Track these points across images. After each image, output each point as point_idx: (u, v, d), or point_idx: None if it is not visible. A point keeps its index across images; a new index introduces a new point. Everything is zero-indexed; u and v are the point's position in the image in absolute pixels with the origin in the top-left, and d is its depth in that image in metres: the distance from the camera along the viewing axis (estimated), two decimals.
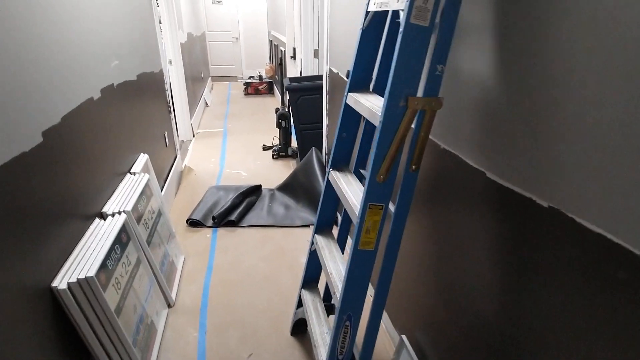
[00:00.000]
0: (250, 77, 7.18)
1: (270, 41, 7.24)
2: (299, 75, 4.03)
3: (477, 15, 1.03)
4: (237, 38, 8.56)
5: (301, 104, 3.32)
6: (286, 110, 3.83)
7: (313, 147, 2.95)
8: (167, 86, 3.26)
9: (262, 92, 7.11)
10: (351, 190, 1.29)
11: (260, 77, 7.04)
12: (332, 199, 1.56)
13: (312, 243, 1.61)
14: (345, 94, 1.37)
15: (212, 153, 4.14)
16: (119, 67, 2.08)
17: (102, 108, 1.80)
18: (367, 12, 1.28)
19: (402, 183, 1.12)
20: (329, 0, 2.47)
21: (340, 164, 1.50)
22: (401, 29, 0.94)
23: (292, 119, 3.64)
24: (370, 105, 1.18)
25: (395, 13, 1.25)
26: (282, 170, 3.69)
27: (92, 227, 1.55)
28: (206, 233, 2.68)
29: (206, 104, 6.24)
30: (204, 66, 7.02)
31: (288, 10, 4.58)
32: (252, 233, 2.68)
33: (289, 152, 3.97)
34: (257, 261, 2.39)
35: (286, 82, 3.34)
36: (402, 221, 1.16)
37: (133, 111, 2.28)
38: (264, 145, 4.35)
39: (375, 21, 1.30)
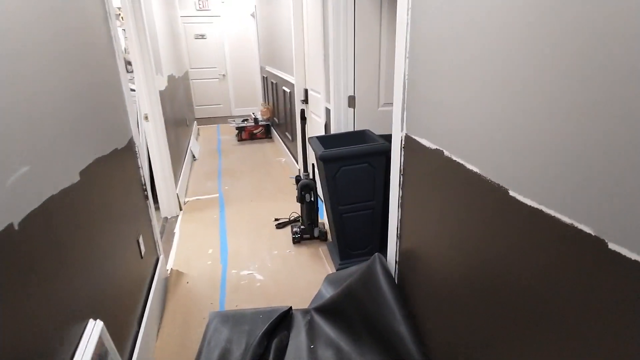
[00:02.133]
0: (243, 120, 6.16)
1: (265, 78, 6.28)
2: (324, 132, 3.01)
3: None
4: (224, 75, 7.58)
5: (341, 178, 2.27)
6: (309, 178, 2.77)
7: (376, 255, 1.89)
8: (140, 159, 2.17)
9: (259, 137, 6.08)
10: None
11: (255, 119, 6.01)
12: None
13: None
14: None
15: (207, 239, 3.02)
16: (30, 180, 0.99)
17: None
18: None
19: None
20: (409, 27, 1.46)
21: None
22: None
23: (322, 195, 2.59)
24: None
25: None
26: (311, 264, 2.60)
27: None
28: None
29: (193, 156, 5.14)
30: (188, 110, 5.97)
31: (297, 44, 3.60)
32: None
33: (316, 234, 2.88)
34: None
35: (317, 147, 2.30)
36: None
37: (72, 250, 1.18)
38: (276, 221, 3.26)
39: None
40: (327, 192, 2.36)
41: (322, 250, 2.80)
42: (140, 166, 2.17)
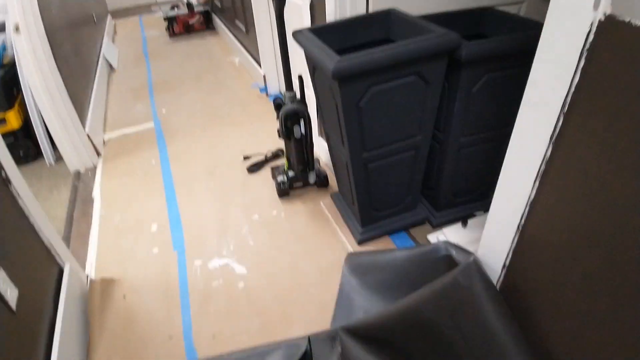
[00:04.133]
0: (172, 7, 4.55)
1: None
2: (310, 20, 1.83)
3: None
4: None
5: (369, 107, 1.25)
6: (296, 99, 1.70)
7: (472, 257, 1.00)
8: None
9: (197, 29, 4.59)
10: None
11: (188, 4, 4.44)
12: None
13: None
14: None
15: (147, 204, 1.99)
16: None
17: None
18: None
19: None
20: None
21: None
22: None
23: (324, 128, 1.57)
24: None
25: None
26: (316, 234, 1.70)
27: None
28: None
29: (110, 67, 3.72)
30: (95, 1, 4.26)
31: None
32: None
33: (312, 180, 1.93)
34: None
35: (318, 50, 1.20)
36: None
37: None
38: (247, 160, 2.24)
39: None
40: (340, 130, 1.35)
41: (325, 204, 1.89)
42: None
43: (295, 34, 1.40)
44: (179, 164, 2.25)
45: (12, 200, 1.25)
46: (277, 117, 1.72)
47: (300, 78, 1.68)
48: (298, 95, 1.71)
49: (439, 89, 1.31)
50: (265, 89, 2.95)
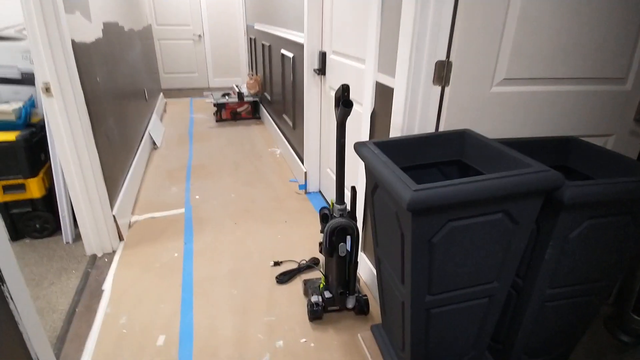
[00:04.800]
0: (224, 95, 4.76)
1: (252, 39, 4.86)
2: (369, 130, 1.73)
3: None
4: (200, 35, 6.09)
5: (444, 245, 1.02)
6: (346, 213, 1.50)
7: None
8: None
9: (243, 117, 4.72)
10: None
11: (239, 94, 4.63)
12: None
13: None
14: None
15: (160, 306, 1.74)
16: None
17: None
18: None
19: None
20: None
21: None
22: None
23: (383, 260, 1.34)
24: None
25: None
26: None
27: None
28: None
29: (154, 144, 3.77)
30: (149, 78, 4.52)
31: None
32: None
33: (350, 305, 1.65)
34: None
35: (387, 171, 1.02)
36: None
37: None
38: (277, 265, 2.00)
39: None
40: (402, 266, 1.11)
41: (364, 338, 1.57)
42: None
43: (359, 146, 1.25)
44: (203, 261, 2.03)
45: (1, 302, 1.04)
46: (322, 230, 1.52)
47: (354, 190, 1.50)
48: (348, 207, 1.51)
49: (528, 231, 1.08)
50: (304, 186, 2.82)
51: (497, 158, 1.17)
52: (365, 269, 1.88)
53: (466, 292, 1.15)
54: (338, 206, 1.47)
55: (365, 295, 1.70)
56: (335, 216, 1.49)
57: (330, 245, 1.49)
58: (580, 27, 1.31)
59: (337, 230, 1.46)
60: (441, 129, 1.38)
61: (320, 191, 2.82)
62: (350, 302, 1.65)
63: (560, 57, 1.34)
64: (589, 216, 1.07)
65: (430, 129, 1.39)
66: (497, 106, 1.37)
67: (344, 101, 1.27)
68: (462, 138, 1.33)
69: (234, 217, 2.47)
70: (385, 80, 1.50)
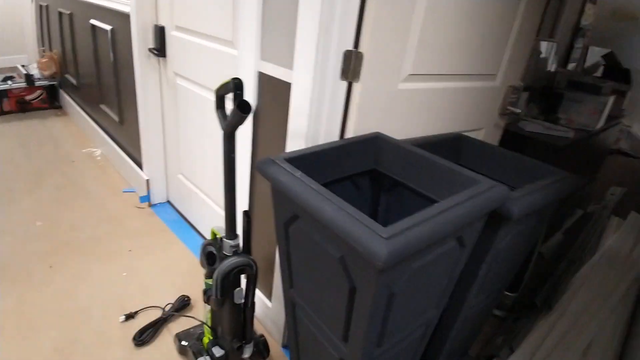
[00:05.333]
0: (4, 80, 3.46)
1: (43, 7, 3.67)
2: (252, 133, 1.35)
3: None
4: None
5: (403, 292, 0.80)
6: (239, 250, 1.13)
7: None
8: None
9: (36, 107, 3.57)
10: None
11: (28, 76, 3.45)
12: None
13: None
14: None
15: None
16: None
17: None
18: None
19: None
20: None
21: None
22: None
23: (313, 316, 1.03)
24: None
25: None
26: None
27: None
28: None
29: None
30: None
31: None
32: None
33: (247, 354, 1.30)
34: None
35: (342, 215, 0.73)
36: None
37: None
38: (129, 319, 1.47)
39: None
40: (346, 324, 0.85)
41: None
42: None
43: (265, 165, 0.90)
44: (6, 340, 1.34)
45: None
46: (208, 274, 1.12)
47: (247, 215, 1.14)
48: (240, 242, 1.15)
49: (469, 251, 0.96)
50: (147, 197, 2.23)
51: (419, 166, 1.01)
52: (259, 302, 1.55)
53: (410, 330, 0.97)
54: (230, 242, 1.09)
55: (262, 336, 1.38)
56: (226, 254, 1.11)
57: (222, 295, 1.10)
58: (471, 23, 1.25)
59: (232, 274, 1.09)
60: (349, 132, 1.15)
61: (169, 201, 2.29)
62: (248, 352, 1.31)
63: (456, 53, 1.26)
64: (518, 223, 1.01)
65: (337, 132, 1.15)
66: (403, 104, 1.21)
67: (239, 103, 0.89)
68: (374, 144, 1.12)
69: (47, 257, 1.75)
70: (275, 72, 1.17)
